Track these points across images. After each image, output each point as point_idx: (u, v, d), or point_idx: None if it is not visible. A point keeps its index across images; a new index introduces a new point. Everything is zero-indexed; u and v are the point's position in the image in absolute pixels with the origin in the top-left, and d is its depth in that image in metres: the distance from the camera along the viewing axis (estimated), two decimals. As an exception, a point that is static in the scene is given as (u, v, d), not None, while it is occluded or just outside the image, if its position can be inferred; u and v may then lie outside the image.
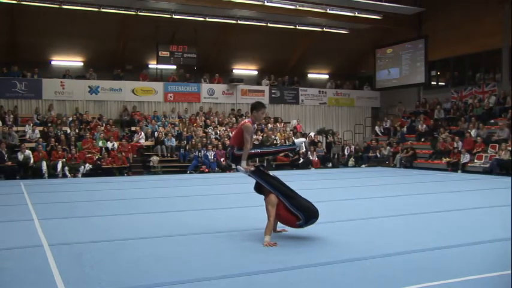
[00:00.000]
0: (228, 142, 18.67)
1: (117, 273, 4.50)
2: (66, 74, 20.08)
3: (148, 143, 18.65)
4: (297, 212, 5.59)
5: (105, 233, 6.37)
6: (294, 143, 6.55)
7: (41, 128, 17.57)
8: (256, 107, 6.10)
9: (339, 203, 9.14)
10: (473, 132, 17.99)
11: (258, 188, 5.95)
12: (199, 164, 17.46)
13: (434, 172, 16.51)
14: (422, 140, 20.11)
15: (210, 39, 21.95)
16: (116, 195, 10.75)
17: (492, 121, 18.69)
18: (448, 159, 17.35)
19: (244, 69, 24.35)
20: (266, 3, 18.81)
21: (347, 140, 22.90)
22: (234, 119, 20.96)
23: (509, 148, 15.73)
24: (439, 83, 23.48)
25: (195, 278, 4.28)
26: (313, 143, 20.43)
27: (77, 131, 17.90)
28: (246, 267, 4.61)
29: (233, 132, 6.20)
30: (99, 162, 16.31)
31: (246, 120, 6.08)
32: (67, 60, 21.13)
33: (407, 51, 22.86)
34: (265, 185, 5.74)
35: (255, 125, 6.22)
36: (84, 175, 15.77)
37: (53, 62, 21.01)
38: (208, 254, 5.14)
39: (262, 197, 5.92)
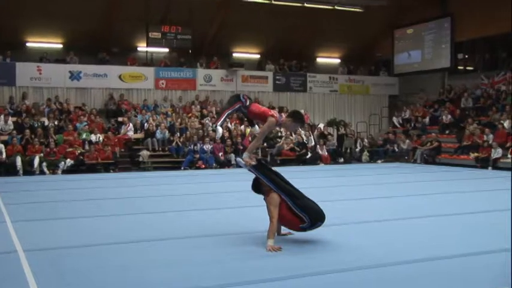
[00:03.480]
0: (227, 134, 18.71)
1: (102, 282, 4.51)
2: (43, 57, 20.04)
3: (138, 136, 18.64)
4: (301, 213, 5.59)
5: (89, 236, 6.38)
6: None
7: (14, 119, 17.55)
8: (296, 118, 6.01)
9: (351, 203, 9.14)
10: (506, 124, 17.91)
11: (256, 187, 5.95)
12: (194, 159, 17.47)
13: (461, 169, 16.48)
14: (447, 132, 20.05)
15: (207, 18, 21.86)
16: (100, 194, 10.77)
17: (529, 111, 18.61)
18: (476, 154, 17.30)
19: (245, 53, 24.30)
20: (270, -23, 18.75)
21: (361, 132, 22.87)
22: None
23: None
24: (467, 68, 23.37)
25: (190, 287, 4.29)
26: (322, 136, 20.40)
27: (56, 122, 17.90)
28: (246, 275, 4.62)
29: (257, 107, 6.10)
30: (81, 158, 16.32)
31: (276, 114, 5.94)
32: (44, 42, 21.09)
33: (431, 32, 22.75)
34: (267, 181, 5.73)
35: (277, 127, 6.17)
36: (65, 172, 15.78)
37: (28, 44, 20.97)
38: (205, 260, 5.15)
39: (262, 196, 5.92)
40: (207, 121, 19.90)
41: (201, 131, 18.77)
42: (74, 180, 13.88)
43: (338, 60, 26.15)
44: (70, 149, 16.41)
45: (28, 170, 15.42)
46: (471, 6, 21.05)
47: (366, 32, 24.58)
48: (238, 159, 5.95)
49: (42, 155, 15.82)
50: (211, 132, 18.81)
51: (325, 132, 20.93)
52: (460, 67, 23.32)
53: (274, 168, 6.18)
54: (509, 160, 16.37)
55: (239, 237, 6.18)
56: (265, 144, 18.31)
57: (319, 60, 26.00)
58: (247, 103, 6.00)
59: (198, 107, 20.72)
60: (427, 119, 21.54)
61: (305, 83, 23.56)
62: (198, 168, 17.24)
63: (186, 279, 4.51)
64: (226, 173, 15.74)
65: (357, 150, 20.65)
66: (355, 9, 22.37)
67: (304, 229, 5.70)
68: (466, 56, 23.43)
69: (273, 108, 20.78)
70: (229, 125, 19.78)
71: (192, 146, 17.77)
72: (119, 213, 8.15)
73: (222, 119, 6.23)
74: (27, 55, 20.45)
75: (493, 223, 7.21)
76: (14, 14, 19.32)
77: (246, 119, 19.13)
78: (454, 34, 21.75)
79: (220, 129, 5.85)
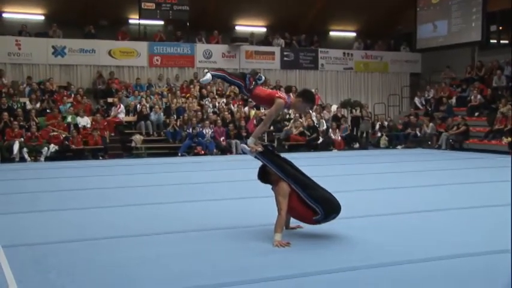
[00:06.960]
0: (229, 117, 18.71)
1: (90, 281, 4.53)
2: (22, 30, 20.02)
3: (130, 119, 18.71)
4: (314, 204, 5.59)
5: (75, 230, 6.40)
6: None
7: (-9, 100, 17.60)
8: (306, 97, 6.02)
9: (367, 194, 9.12)
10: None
11: (263, 176, 5.96)
12: (193, 145, 17.52)
13: (492, 155, 16.43)
14: (477, 114, 19.99)
15: (206, -14, 21.81)
16: (88, 184, 10.78)
17: None
18: (510, 139, 17.26)
19: (249, 26, 24.25)
20: None
21: (378, 114, 22.85)
22: (237, 88, 20.88)
23: None
24: (501, 41, 23.14)
25: (187, 286, 4.32)
26: (335, 119, 20.37)
27: (38, 104, 17.90)
28: (251, 273, 4.63)
29: (262, 91, 6.19)
30: (67, 143, 16.38)
31: (283, 95, 5.98)
32: (24, 13, 21.06)
33: (459, 0, 22.53)
34: (276, 169, 5.73)
35: (285, 110, 6.22)
36: (48, 158, 15.86)
37: (5, 15, 20.96)
38: (205, 257, 5.17)
39: (269, 186, 5.92)
40: (207, 102, 19.89)
41: (200, 113, 18.76)
42: (59, 167, 13.93)
43: (353, 34, 26.03)
44: (54, 133, 16.45)
45: (7, 157, 15.49)
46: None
47: (385, 1, 24.39)
48: (243, 145, 5.95)
49: (22, 140, 15.87)
50: (211, 114, 18.81)
51: (339, 115, 20.90)
52: (492, 40, 23.09)
53: (283, 155, 6.17)
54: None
55: (242, 231, 6.20)
56: (271, 128, 18.31)
57: (332, 34, 25.89)
58: (251, 86, 6.00)
59: (197, 86, 20.68)
60: (453, 100, 21.47)
61: (316, 59, 23.49)
62: (197, 154, 17.29)
63: (182, 277, 4.52)
64: (228, 160, 15.76)
65: (378, 134, 20.58)
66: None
67: (318, 221, 5.71)
68: (500, 28, 23.12)
69: (280, 87, 20.80)
70: (231, 106, 19.77)
71: (190, 130, 17.79)
72: (108, 205, 8.16)
73: (218, 73, 6.41)
74: (4, 28, 20.45)
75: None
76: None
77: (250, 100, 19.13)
78: (486, 3, 21.53)
79: (208, 76, 5.86)
